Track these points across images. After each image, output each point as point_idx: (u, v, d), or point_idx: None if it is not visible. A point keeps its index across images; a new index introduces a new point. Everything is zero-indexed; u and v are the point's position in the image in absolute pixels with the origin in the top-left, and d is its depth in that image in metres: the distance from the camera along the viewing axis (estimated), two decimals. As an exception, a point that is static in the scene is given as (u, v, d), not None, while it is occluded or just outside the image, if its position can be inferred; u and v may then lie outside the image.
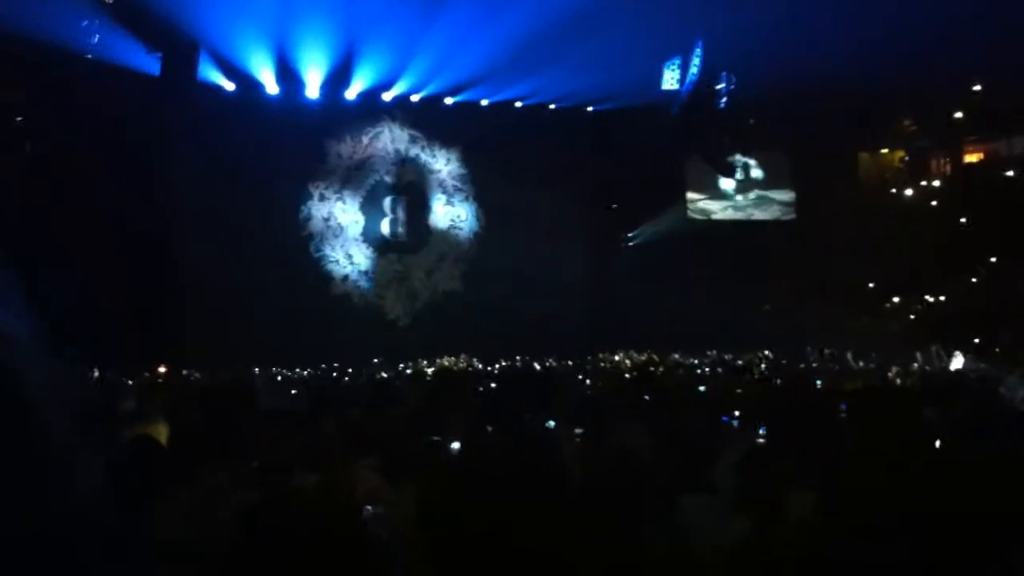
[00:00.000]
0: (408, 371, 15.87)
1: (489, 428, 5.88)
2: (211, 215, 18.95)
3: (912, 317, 20.94)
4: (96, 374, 12.81)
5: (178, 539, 3.29)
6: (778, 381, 10.28)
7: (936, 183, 23.34)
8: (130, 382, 12.36)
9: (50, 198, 16.90)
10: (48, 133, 17.69)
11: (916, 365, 13.87)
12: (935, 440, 5.66)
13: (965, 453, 5.39)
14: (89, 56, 17.49)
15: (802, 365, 15.21)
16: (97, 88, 17.34)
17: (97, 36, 17.42)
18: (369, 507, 4.10)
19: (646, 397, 8.25)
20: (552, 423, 5.91)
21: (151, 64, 18.41)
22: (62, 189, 16.98)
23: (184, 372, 14.86)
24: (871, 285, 21.98)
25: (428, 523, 3.74)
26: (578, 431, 5.87)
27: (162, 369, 14.96)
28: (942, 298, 21.00)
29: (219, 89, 19.88)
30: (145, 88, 18.31)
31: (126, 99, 17.84)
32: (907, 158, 24.12)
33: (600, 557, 3.66)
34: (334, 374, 15.59)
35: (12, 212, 16.99)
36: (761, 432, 6.11)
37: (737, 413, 6.86)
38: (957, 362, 13.48)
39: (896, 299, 21.71)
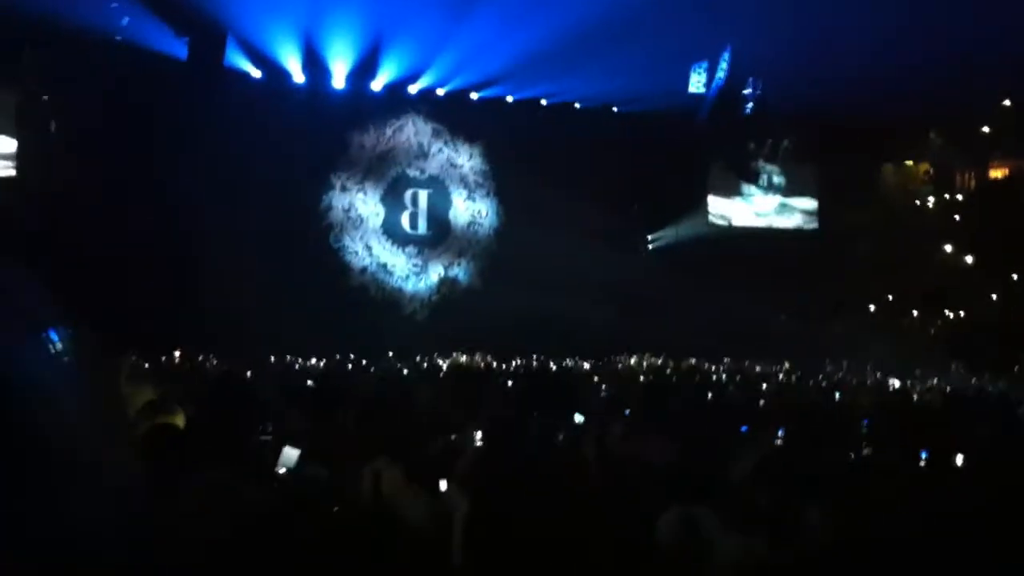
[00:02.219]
0: (424, 366, 15.84)
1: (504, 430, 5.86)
2: (233, 202, 18.93)
3: (932, 332, 20.78)
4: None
5: (184, 533, 3.27)
6: (797, 393, 10.24)
7: (960, 197, 23.17)
8: (146, 366, 12.36)
9: (74, 180, 16.97)
10: (74, 115, 17.75)
11: (935, 381, 13.77)
12: (955, 457, 5.61)
13: (986, 472, 5.35)
14: (118, 39, 17.53)
15: (821, 376, 15.10)
16: (124, 71, 17.40)
17: (126, 19, 17.47)
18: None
19: (661, 402, 8.23)
20: (580, 417, 5.85)
21: (179, 48, 18.44)
22: (86, 172, 17.04)
23: (200, 358, 14.86)
24: (890, 298, 21.83)
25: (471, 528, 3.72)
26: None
27: (177, 354, 14.98)
28: (962, 314, 20.83)
29: (246, 76, 19.90)
30: (172, 72, 18.34)
31: (153, 83, 17.90)
32: (932, 171, 23.94)
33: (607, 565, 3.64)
34: (348, 366, 15.58)
35: (36, 195, 17.10)
36: (779, 434, 6.06)
37: (753, 423, 6.82)
38: (977, 381, 13.36)
39: (916, 313, 21.55)
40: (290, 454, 4.57)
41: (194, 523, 3.21)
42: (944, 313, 20.94)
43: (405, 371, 13.92)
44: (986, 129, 22.07)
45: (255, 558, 3.21)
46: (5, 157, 17.92)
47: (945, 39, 16.48)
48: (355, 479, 4.85)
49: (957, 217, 22.63)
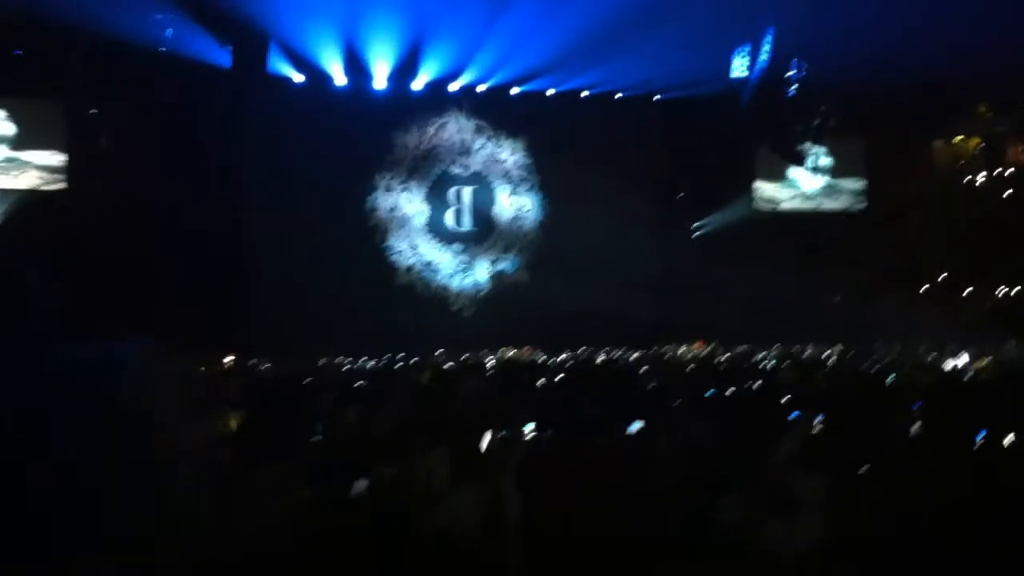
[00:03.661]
0: (471, 361, 15.91)
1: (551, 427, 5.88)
2: (279, 206, 19.23)
3: (987, 308, 20.45)
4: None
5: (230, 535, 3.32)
6: (848, 376, 10.13)
7: (1012, 170, 22.74)
8: (201, 369, 12.55)
9: (123, 191, 17.29)
10: (123, 127, 18.06)
11: (990, 359, 13.55)
12: (1006, 436, 5.54)
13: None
14: (162, 50, 17.81)
15: (874, 358, 14.93)
16: (170, 81, 17.66)
17: (170, 30, 17.73)
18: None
19: (710, 391, 8.20)
20: (638, 425, 5.83)
21: (223, 57, 18.68)
22: (134, 181, 17.34)
23: (252, 361, 15.07)
24: (944, 275, 21.51)
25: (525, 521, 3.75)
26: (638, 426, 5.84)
27: (230, 358, 15.19)
28: (1017, 288, 20.49)
29: (289, 81, 20.11)
30: (217, 81, 18.58)
31: (198, 92, 18.15)
32: (983, 145, 23.51)
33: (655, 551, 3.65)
34: (398, 364, 15.70)
35: (88, 207, 17.45)
36: (818, 419, 6.02)
37: (804, 408, 6.77)
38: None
39: (969, 289, 21.21)
40: (359, 486, 4.67)
41: (246, 522, 3.28)
42: (997, 288, 20.60)
43: (452, 366, 13.99)
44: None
45: (305, 556, 3.28)
46: (56, 170, 18.32)
47: (992, 9, 16.19)
48: (408, 473, 4.92)
49: (1010, 191, 22.22)
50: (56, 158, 18.35)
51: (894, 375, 10.61)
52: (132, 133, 17.83)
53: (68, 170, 18.34)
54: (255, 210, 19.10)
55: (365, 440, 5.66)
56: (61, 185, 18.32)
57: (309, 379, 10.43)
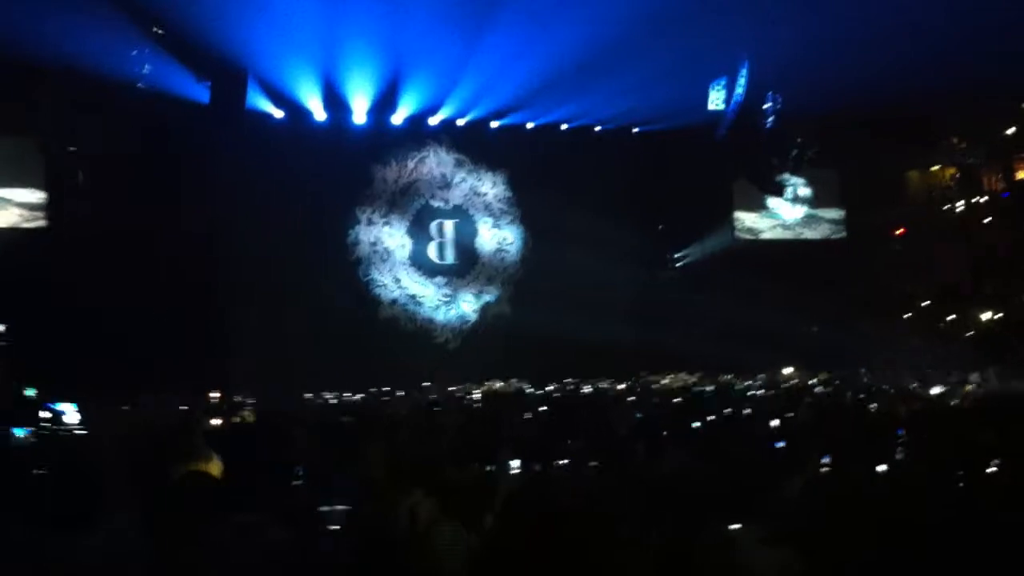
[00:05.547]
0: (458, 395, 15.85)
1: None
2: (260, 241, 19.14)
3: (968, 335, 20.54)
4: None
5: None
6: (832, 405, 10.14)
7: (984, 199, 22.89)
8: (182, 408, 12.45)
9: (104, 229, 17.18)
10: (101, 164, 17.97)
11: (971, 387, 13.59)
12: (989, 464, 5.53)
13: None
14: (140, 85, 17.77)
15: (857, 386, 14.95)
16: (148, 117, 17.63)
17: (147, 66, 17.70)
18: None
19: (696, 423, 8.18)
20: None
21: (201, 92, 18.66)
22: (116, 220, 17.24)
23: (236, 398, 14.94)
24: (924, 304, 21.60)
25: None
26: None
27: (215, 394, 15.04)
28: (997, 316, 20.59)
29: (268, 116, 20.10)
30: (195, 116, 18.55)
31: (177, 128, 18.11)
32: (958, 175, 23.70)
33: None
34: (383, 398, 15.62)
35: (67, 245, 17.33)
36: (824, 461, 5.97)
37: (789, 438, 6.76)
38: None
39: (951, 317, 21.31)
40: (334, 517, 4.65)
41: (218, 565, 3.22)
42: (978, 315, 20.70)
43: (436, 401, 13.91)
44: (1011, 130, 21.84)
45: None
46: (34, 208, 18.11)
47: (961, 43, 16.38)
48: (391, 512, 4.86)
49: (987, 219, 22.37)
50: (34, 196, 18.14)
51: (877, 404, 10.63)
52: (112, 171, 17.74)
53: (48, 208, 18.14)
54: (236, 245, 19.02)
55: (347, 478, 5.59)
56: (40, 223, 18.11)
57: (290, 418, 10.34)
